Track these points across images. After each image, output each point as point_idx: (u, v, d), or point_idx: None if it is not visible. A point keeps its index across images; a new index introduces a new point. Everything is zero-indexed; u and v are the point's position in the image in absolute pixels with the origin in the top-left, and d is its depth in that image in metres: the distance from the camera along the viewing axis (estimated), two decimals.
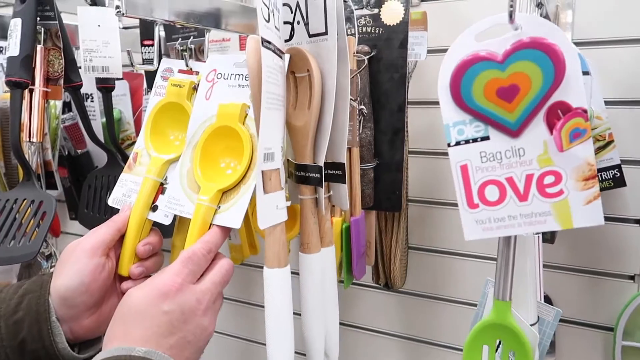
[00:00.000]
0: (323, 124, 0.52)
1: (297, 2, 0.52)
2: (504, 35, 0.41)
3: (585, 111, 0.40)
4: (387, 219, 0.79)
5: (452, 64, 0.42)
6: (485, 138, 0.43)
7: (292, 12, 0.52)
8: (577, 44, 0.74)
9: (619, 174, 0.69)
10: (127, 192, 0.59)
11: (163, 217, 0.56)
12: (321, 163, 0.52)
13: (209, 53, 0.78)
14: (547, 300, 0.78)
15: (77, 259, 0.51)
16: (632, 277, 0.75)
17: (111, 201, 0.59)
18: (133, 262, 0.55)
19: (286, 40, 0.53)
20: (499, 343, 0.52)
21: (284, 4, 0.52)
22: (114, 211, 0.57)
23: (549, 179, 0.42)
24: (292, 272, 0.50)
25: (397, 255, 0.79)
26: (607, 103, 0.71)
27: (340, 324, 0.98)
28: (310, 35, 0.52)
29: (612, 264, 0.76)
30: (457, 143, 0.44)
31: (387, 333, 0.95)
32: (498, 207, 0.44)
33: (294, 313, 0.51)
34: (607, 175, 0.69)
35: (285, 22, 0.53)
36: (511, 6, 0.38)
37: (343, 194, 0.54)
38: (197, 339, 0.46)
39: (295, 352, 0.51)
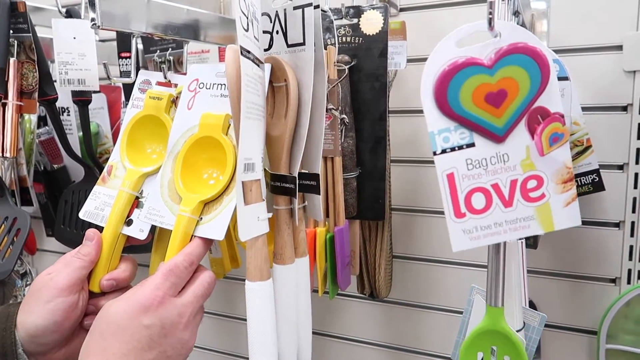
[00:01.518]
0: (299, 135, 0.52)
1: (277, 12, 0.52)
2: (483, 42, 0.41)
3: (562, 115, 0.41)
4: (371, 228, 0.78)
5: (434, 70, 0.42)
6: (471, 145, 0.43)
7: (271, 22, 0.52)
8: (553, 51, 0.75)
9: (597, 179, 0.70)
10: (100, 205, 0.57)
11: (138, 231, 0.54)
12: (295, 173, 0.52)
13: (188, 65, 0.77)
14: (531, 305, 0.78)
15: (50, 297, 0.49)
16: (613, 280, 0.76)
17: (83, 214, 0.58)
18: None
19: (265, 50, 0.53)
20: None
21: (263, 14, 0.52)
22: (91, 226, 0.55)
23: (531, 184, 0.42)
24: None
25: (381, 265, 0.78)
26: (584, 109, 0.73)
27: (327, 335, 0.98)
28: (288, 45, 0.52)
29: (593, 267, 0.77)
30: (443, 151, 0.44)
31: (374, 343, 0.94)
32: (484, 215, 0.44)
33: None
34: (586, 180, 0.70)
35: (264, 32, 0.52)
36: (490, 14, 0.38)
37: (317, 204, 0.53)
38: (177, 353, 0.45)
39: None
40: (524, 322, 0.55)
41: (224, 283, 1.06)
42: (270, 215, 0.51)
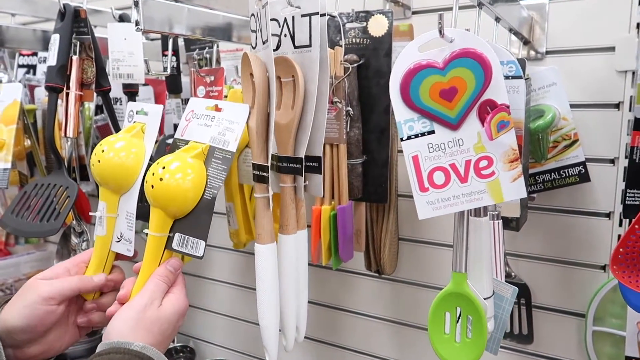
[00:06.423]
0: (304, 122, 0.61)
1: (285, 19, 0.62)
2: (441, 47, 0.50)
3: (508, 106, 0.48)
4: (378, 210, 0.86)
5: (401, 71, 0.51)
6: (431, 132, 0.52)
7: (279, 27, 0.62)
8: (550, 52, 0.81)
9: (583, 170, 0.75)
10: None
11: (126, 250, 0.63)
12: (302, 155, 0.61)
13: (222, 61, 0.88)
14: (525, 288, 0.84)
15: (31, 301, 0.56)
16: (603, 267, 0.81)
17: None
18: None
19: (274, 50, 0.63)
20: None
21: (272, 19, 0.62)
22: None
23: (483, 163, 0.50)
24: None
25: (386, 244, 0.86)
26: (580, 106, 0.78)
27: (337, 308, 1.08)
28: (295, 47, 0.62)
29: (585, 254, 0.82)
30: (409, 137, 0.52)
31: (381, 318, 1.02)
32: (444, 189, 0.52)
33: None
34: (573, 172, 0.76)
35: (273, 35, 0.62)
36: (439, 24, 0.46)
37: (318, 182, 0.63)
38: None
39: None
40: (493, 291, 0.63)
41: (244, 256, 1.17)
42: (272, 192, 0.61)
